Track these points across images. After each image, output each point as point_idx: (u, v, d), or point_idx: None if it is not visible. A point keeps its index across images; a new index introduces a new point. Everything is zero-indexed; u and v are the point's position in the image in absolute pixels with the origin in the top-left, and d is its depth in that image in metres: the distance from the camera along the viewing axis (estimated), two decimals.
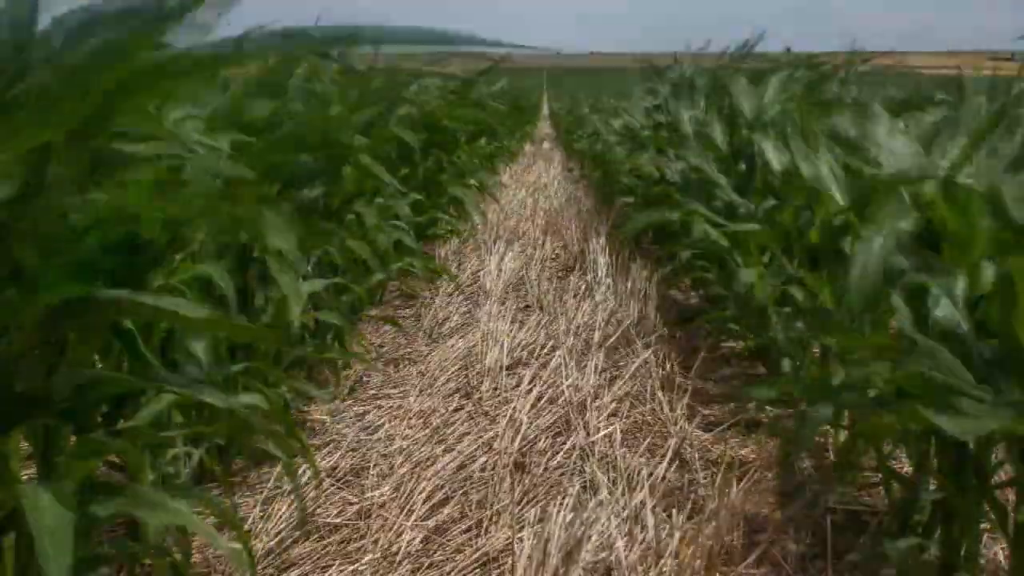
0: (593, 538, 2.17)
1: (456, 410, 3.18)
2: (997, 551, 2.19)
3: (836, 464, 2.55)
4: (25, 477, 1.49)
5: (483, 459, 2.73)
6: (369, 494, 2.50)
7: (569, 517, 2.29)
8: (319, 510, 2.42)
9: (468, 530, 2.34)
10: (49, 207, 1.26)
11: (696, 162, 4.14)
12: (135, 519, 1.87)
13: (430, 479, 2.59)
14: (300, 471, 2.49)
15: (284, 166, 2.53)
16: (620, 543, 2.17)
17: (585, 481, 2.59)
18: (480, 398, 3.27)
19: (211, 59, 1.21)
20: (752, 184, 3.76)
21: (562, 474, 2.65)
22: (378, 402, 3.26)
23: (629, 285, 4.56)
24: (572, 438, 2.88)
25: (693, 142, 4.32)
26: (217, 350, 2.17)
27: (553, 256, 5.84)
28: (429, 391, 3.35)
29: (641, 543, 2.17)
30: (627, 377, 3.41)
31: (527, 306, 4.56)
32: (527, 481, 2.58)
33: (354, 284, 3.54)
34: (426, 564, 2.18)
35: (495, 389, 3.35)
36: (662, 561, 2.10)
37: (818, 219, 2.79)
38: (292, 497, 2.37)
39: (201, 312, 1.42)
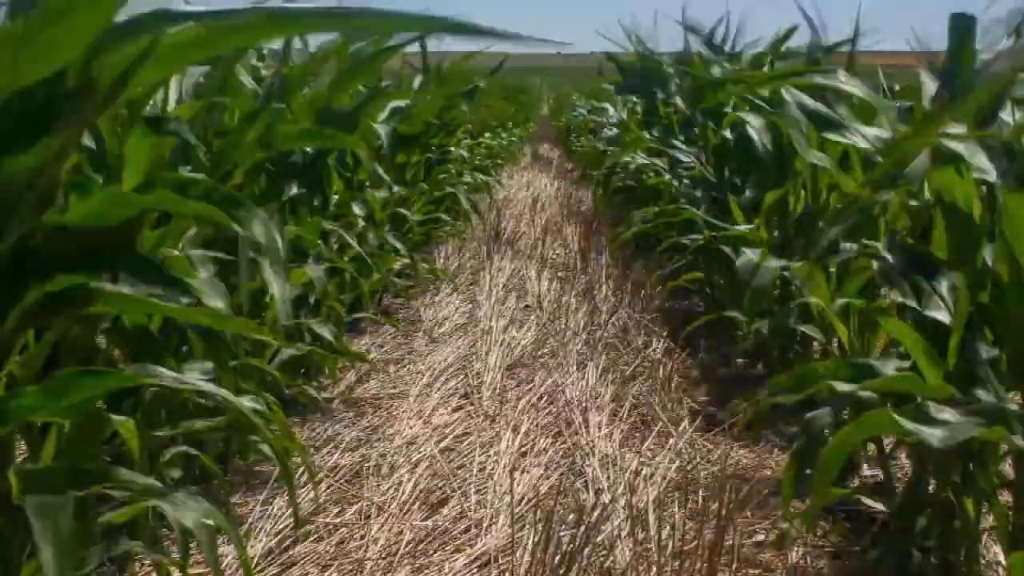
0: (594, 538, 2.17)
1: (456, 409, 3.18)
2: (997, 551, 2.19)
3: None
4: None
5: (482, 458, 2.73)
6: (368, 494, 2.50)
7: (571, 517, 2.29)
8: (319, 510, 2.41)
9: (468, 529, 2.33)
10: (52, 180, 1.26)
11: (689, 160, 4.15)
12: (134, 520, 1.86)
13: (430, 479, 2.59)
14: (298, 473, 2.49)
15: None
16: (621, 543, 2.16)
17: (586, 480, 2.59)
18: (480, 398, 3.26)
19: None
20: (746, 176, 3.77)
21: (562, 473, 2.65)
22: (378, 402, 3.25)
23: (629, 284, 4.55)
24: (572, 438, 2.87)
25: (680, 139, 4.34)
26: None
27: (553, 256, 5.83)
28: (428, 391, 3.35)
29: (642, 543, 2.17)
30: (628, 377, 3.40)
31: (527, 306, 4.56)
32: (527, 480, 2.58)
33: (353, 283, 3.54)
34: (426, 564, 2.18)
35: (495, 389, 3.35)
36: (663, 561, 2.10)
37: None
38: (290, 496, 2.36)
39: (182, 303, 1.41)
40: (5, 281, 1.32)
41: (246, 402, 1.67)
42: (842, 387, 1.86)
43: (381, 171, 3.91)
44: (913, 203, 2.16)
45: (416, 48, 5.35)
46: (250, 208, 1.58)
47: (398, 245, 4.12)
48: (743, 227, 3.45)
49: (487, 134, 8.39)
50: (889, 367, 1.92)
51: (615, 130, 7.29)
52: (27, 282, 1.33)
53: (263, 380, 2.53)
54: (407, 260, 4.35)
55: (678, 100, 4.91)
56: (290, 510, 2.32)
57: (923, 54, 2.53)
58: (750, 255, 3.11)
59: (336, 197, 3.60)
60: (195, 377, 1.65)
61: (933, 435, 1.53)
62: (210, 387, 1.52)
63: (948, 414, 1.57)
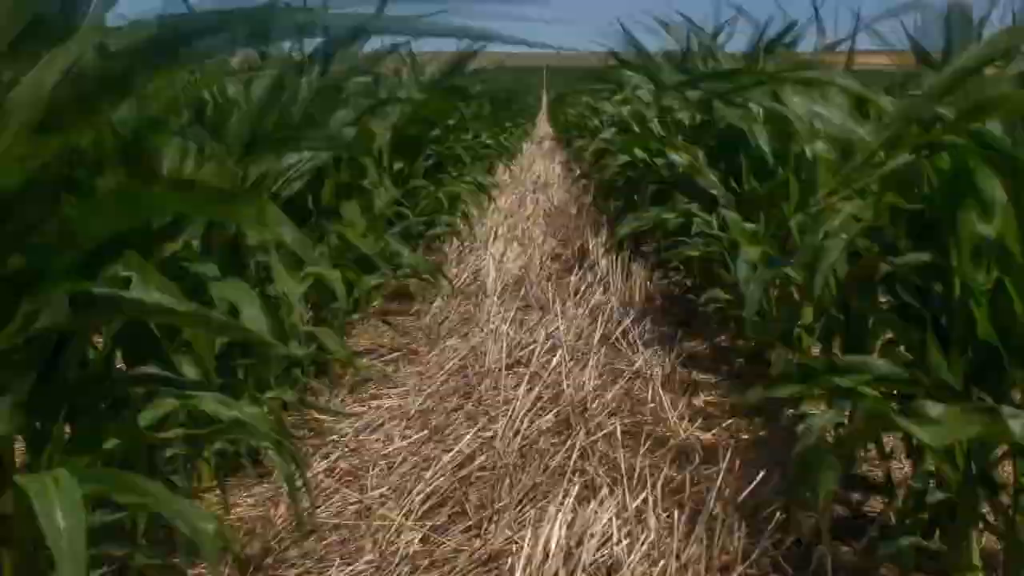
0: (594, 539, 2.16)
1: (455, 410, 3.17)
2: (997, 551, 2.18)
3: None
4: None
5: (482, 459, 2.72)
6: (369, 494, 2.50)
7: (569, 517, 2.28)
8: (319, 510, 2.41)
9: (467, 530, 2.33)
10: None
11: (686, 160, 4.13)
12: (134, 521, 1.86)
13: (429, 479, 2.59)
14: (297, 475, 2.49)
15: None
16: (622, 544, 2.16)
17: (586, 480, 2.58)
18: (480, 397, 3.26)
19: None
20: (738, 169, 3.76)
21: (562, 474, 2.64)
22: (378, 402, 3.25)
23: (630, 284, 4.55)
24: (572, 438, 2.87)
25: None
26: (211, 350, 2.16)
27: (553, 256, 5.83)
28: (428, 391, 3.34)
29: (643, 544, 2.17)
30: (628, 376, 3.40)
31: (527, 305, 4.55)
32: (526, 481, 2.57)
33: (353, 284, 3.53)
34: (425, 564, 2.18)
35: (495, 389, 3.34)
36: (664, 561, 2.10)
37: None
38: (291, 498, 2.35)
39: (186, 307, 1.40)
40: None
41: (247, 409, 1.67)
42: (842, 383, 1.84)
43: (375, 172, 3.90)
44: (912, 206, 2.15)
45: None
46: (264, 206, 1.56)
47: (398, 248, 4.11)
48: (747, 226, 3.40)
49: (484, 133, 8.36)
50: (887, 365, 1.91)
51: (612, 129, 7.26)
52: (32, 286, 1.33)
53: (262, 383, 2.53)
54: (406, 261, 4.34)
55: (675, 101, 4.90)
56: (290, 510, 2.32)
57: (903, 53, 2.54)
58: (749, 255, 3.08)
59: (330, 194, 3.58)
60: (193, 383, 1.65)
61: (931, 434, 1.52)
62: (209, 396, 1.51)
63: (946, 413, 1.56)
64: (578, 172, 10.31)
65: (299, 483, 2.19)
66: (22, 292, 1.32)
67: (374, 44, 4.58)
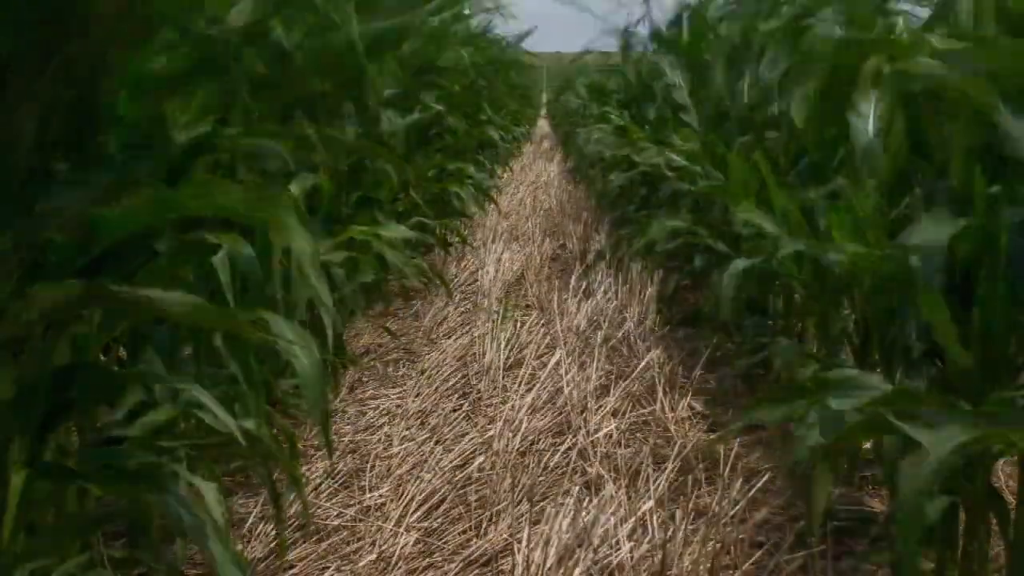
0: (596, 539, 2.16)
1: (454, 410, 3.17)
2: (998, 552, 2.18)
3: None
4: None
5: (481, 459, 2.72)
6: (368, 495, 2.50)
7: (569, 519, 2.28)
8: (318, 511, 2.41)
9: (467, 531, 2.33)
10: None
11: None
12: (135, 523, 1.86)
13: (428, 480, 2.58)
14: (302, 473, 2.48)
15: None
16: (625, 546, 2.16)
17: (587, 480, 2.58)
18: (479, 397, 3.26)
19: None
20: None
21: (562, 473, 2.64)
22: (376, 402, 3.25)
23: (629, 285, 4.54)
24: (572, 438, 2.86)
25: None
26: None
27: (553, 256, 5.82)
28: (428, 391, 3.34)
29: (646, 543, 2.16)
30: (629, 377, 3.39)
31: (527, 306, 4.55)
32: (526, 481, 2.57)
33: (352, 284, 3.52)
34: (424, 565, 2.18)
35: (494, 388, 3.34)
36: (666, 563, 2.09)
37: None
38: (292, 498, 2.35)
39: (187, 301, 1.38)
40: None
41: (247, 424, 1.66)
42: (838, 404, 1.77)
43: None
44: None
45: None
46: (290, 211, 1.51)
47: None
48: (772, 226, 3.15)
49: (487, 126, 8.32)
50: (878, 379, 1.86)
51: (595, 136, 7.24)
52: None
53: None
54: (404, 261, 4.32)
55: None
56: (292, 511, 2.31)
57: None
58: (739, 263, 3.00)
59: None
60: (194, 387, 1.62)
61: (930, 438, 1.50)
62: (213, 407, 1.50)
63: (945, 416, 1.53)
64: (579, 174, 10.30)
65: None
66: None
67: None
